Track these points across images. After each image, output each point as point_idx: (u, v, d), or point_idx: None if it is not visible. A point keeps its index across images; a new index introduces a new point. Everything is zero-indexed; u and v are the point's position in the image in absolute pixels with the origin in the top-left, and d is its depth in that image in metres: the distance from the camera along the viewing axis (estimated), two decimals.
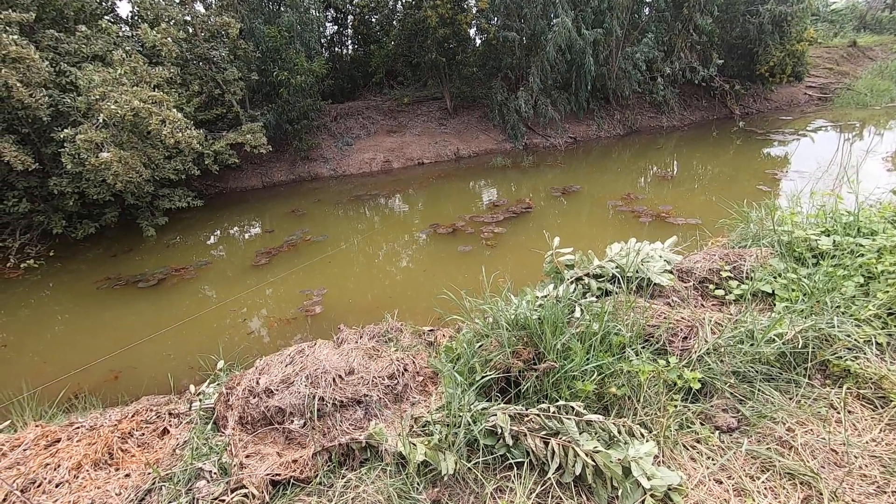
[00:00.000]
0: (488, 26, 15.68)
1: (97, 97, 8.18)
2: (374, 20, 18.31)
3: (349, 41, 19.29)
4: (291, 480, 2.22)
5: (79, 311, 7.21)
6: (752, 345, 2.51)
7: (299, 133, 13.73)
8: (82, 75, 8.41)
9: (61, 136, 8.09)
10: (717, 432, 2.26)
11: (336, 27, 18.73)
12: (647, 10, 16.70)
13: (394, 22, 17.36)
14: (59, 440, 2.73)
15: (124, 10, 16.90)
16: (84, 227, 9.59)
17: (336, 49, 19.03)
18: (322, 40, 17.56)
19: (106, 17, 11.18)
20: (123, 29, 11.74)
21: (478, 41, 16.93)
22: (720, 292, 3.29)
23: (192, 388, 3.27)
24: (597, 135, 16.84)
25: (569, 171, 13.12)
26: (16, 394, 4.39)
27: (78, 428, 2.83)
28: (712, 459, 2.11)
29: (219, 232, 10.68)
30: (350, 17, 18.52)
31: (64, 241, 9.61)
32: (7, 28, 8.00)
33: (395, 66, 17.61)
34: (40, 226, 9.42)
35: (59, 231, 9.32)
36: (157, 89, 9.07)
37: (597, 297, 3.12)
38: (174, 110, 8.82)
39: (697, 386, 2.33)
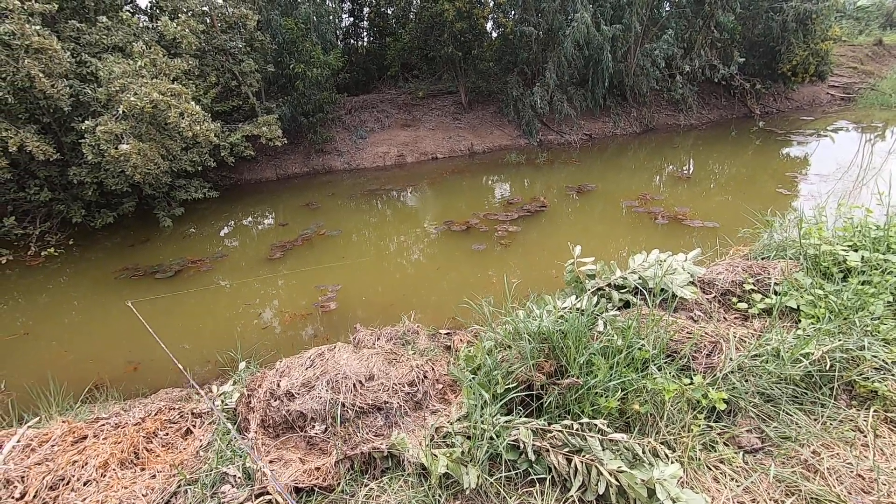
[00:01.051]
0: (505, 20, 15.52)
1: (117, 88, 8.25)
2: (390, 12, 18.22)
3: (365, 33, 19.21)
4: (315, 488, 2.24)
5: (98, 301, 7.32)
6: (777, 364, 2.48)
7: (314, 126, 13.74)
8: (103, 66, 8.48)
9: (82, 127, 8.17)
10: (741, 453, 2.24)
11: (352, 19, 18.66)
12: (667, 6, 16.43)
13: (410, 14, 17.28)
14: (85, 437, 2.78)
15: (143, 0, 16.92)
16: (102, 216, 9.72)
17: (351, 41, 18.97)
18: (338, 32, 17.52)
19: (126, 7, 11.24)
20: (143, 20, 11.79)
21: (494, 35, 16.78)
22: (743, 305, 3.25)
23: (214, 388, 3.32)
24: (612, 132, 16.67)
25: (584, 168, 13.02)
26: (40, 383, 4.49)
27: (103, 425, 2.89)
28: (736, 482, 2.10)
29: (233, 223, 10.77)
30: (366, 9, 18.43)
31: (83, 230, 9.75)
32: (30, 19, 8.07)
33: (410, 59, 17.53)
34: (60, 214, 9.57)
35: (78, 220, 9.46)
36: (175, 81, 9.12)
37: (618, 308, 3.10)
38: (192, 103, 8.87)
39: (723, 406, 2.32)
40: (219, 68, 11.57)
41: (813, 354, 2.51)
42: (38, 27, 8.01)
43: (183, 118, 8.61)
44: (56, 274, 8.32)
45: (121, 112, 8.25)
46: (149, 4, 12.21)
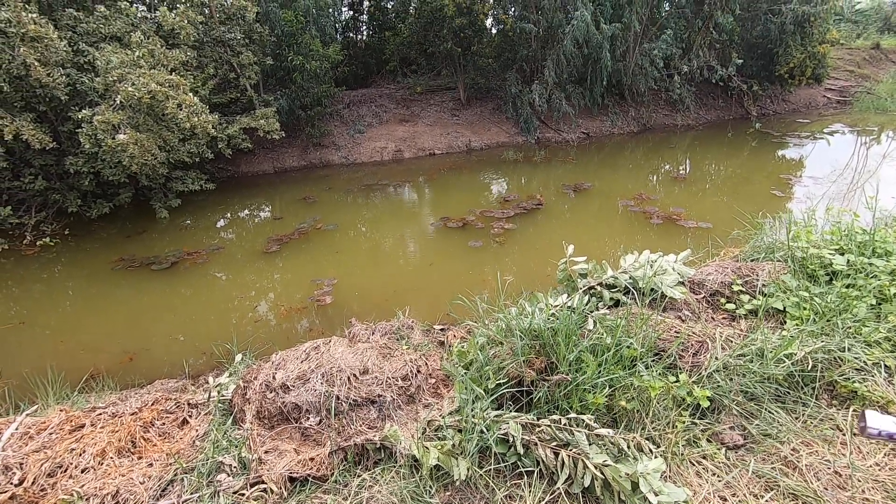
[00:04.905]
0: (505, 17, 15.52)
1: (115, 78, 8.22)
2: (390, 6, 18.16)
3: (364, 27, 19.15)
4: (308, 478, 2.30)
5: (94, 291, 7.34)
6: (761, 364, 2.55)
7: (312, 119, 13.73)
8: (100, 56, 8.44)
9: (79, 116, 8.15)
10: (724, 449, 2.31)
11: (351, 13, 18.59)
12: (666, 6, 16.44)
13: (410, 9, 17.21)
14: (83, 426, 2.83)
15: None
16: (98, 206, 9.71)
17: (350, 35, 18.91)
18: (337, 26, 17.45)
19: None
20: (141, 9, 11.72)
21: (494, 32, 16.77)
22: (731, 306, 3.32)
23: (210, 379, 3.36)
24: (610, 131, 16.71)
25: (580, 167, 13.08)
26: (37, 372, 4.52)
27: (101, 414, 2.93)
28: (718, 476, 2.17)
29: (230, 216, 10.78)
30: (366, 3, 18.37)
31: (79, 219, 9.73)
32: (26, 6, 8.03)
33: (409, 54, 17.49)
34: (55, 204, 9.55)
35: (73, 210, 9.45)
36: (173, 72, 9.09)
37: (609, 307, 3.17)
38: (190, 94, 8.85)
39: (707, 404, 2.39)
40: (217, 60, 11.52)
41: (796, 355, 2.58)
42: (34, 15, 7.97)
43: (181, 109, 8.60)
44: (52, 263, 8.32)
45: (118, 102, 8.22)
46: None
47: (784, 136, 15.36)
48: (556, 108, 15.47)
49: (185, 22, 9.59)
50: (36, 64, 7.85)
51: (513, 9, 15.55)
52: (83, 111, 8.14)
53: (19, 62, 7.84)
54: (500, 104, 16.52)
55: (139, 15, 10.28)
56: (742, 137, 15.60)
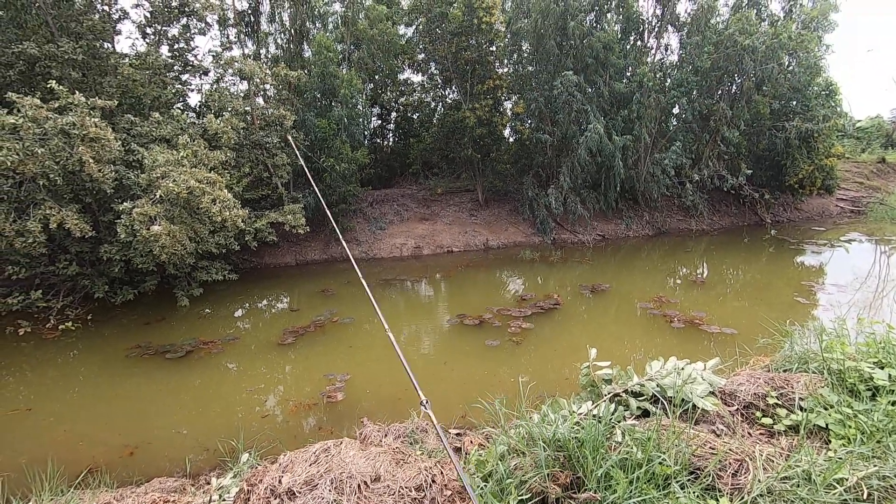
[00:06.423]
0: (522, 128, 16.69)
1: (158, 175, 8.85)
2: (415, 117, 19.76)
3: (390, 134, 20.73)
4: None
5: (104, 379, 7.25)
6: (810, 489, 2.32)
7: (336, 216, 14.35)
8: (148, 155, 9.17)
9: (120, 208, 8.66)
10: None
11: (380, 121, 20.25)
12: (674, 121, 17.53)
13: (434, 119, 18.69)
14: None
15: (193, 98, 18.58)
16: (124, 293, 9.95)
17: (377, 140, 20.43)
18: (366, 132, 18.94)
19: (177, 105, 12.40)
20: (191, 116, 12.95)
21: (511, 140, 17.96)
22: (767, 420, 3.11)
23: (213, 480, 3.18)
24: (625, 233, 17.04)
25: (597, 268, 13.15)
26: (36, 463, 4.35)
27: None
28: None
29: (248, 306, 10.89)
30: (394, 114, 20.05)
31: (103, 305, 9.93)
32: (91, 112, 8.92)
33: (431, 158, 18.69)
34: (84, 289, 9.82)
35: (100, 295, 9.68)
36: (212, 171, 9.77)
37: (636, 417, 2.99)
38: (225, 190, 9.42)
39: None
40: (253, 160, 12.42)
41: (847, 480, 2.36)
42: (96, 119, 8.81)
43: (214, 204, 9.10)
44: (69, 348, 8.34)
45: (158, 196, 8.77)
46: (198, 103, 13.48)
47: (801, 243, 15.43)
48: (571, 211, 15.98)
49: (229, 128, 10.50)
50: (91, 161, 8.52)
51: (529, 121, 16.76)
52: (125, 203, 8.66)
53: (76, 159, 8.54)
54: (517, 206, 17.16)
55: (188, 121, 11.31)
56: (758, 243, 15.71)
